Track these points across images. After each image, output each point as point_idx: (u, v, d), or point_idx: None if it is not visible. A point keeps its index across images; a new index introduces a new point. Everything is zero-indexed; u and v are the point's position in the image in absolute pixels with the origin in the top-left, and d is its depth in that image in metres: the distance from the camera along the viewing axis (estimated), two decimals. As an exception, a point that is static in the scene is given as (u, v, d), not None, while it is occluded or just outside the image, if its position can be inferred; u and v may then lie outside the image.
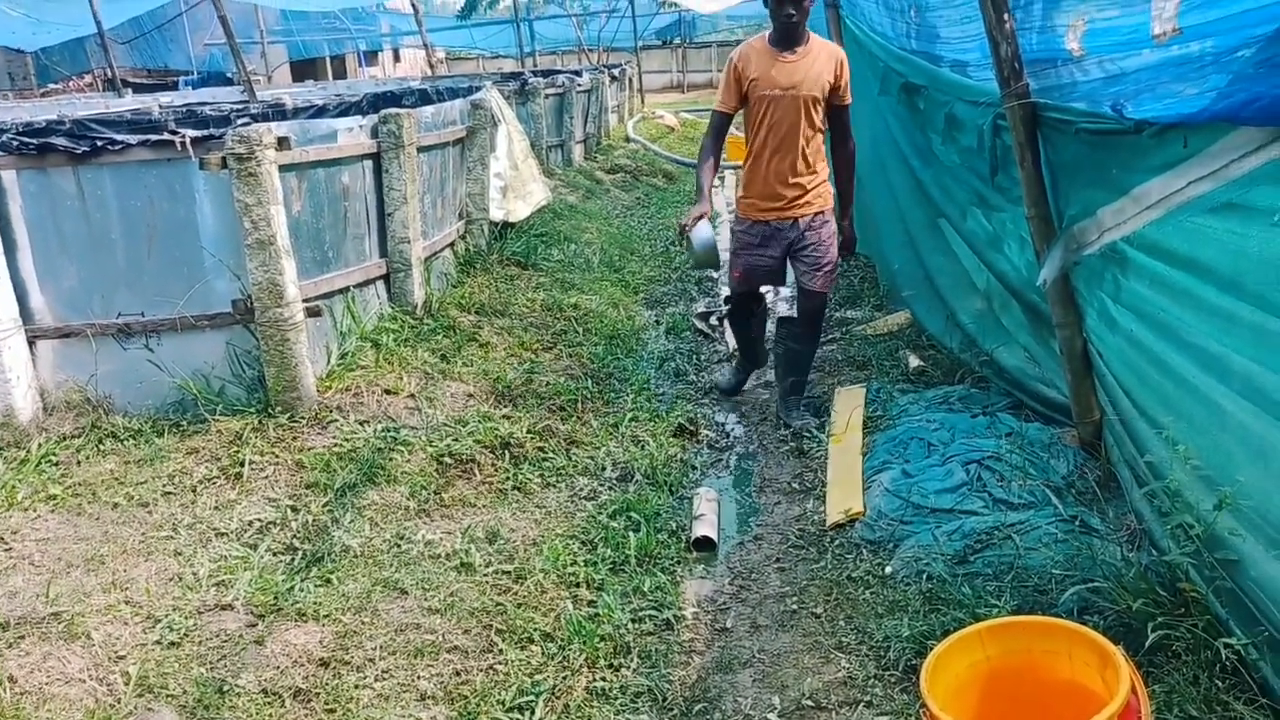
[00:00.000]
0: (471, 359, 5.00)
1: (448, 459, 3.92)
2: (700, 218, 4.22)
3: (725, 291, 6.52)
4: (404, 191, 5.11)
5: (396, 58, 32.57)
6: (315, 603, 2.98)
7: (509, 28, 26.39)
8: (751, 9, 23.12)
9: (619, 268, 7.36)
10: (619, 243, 8.21)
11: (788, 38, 4.03)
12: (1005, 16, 3.14)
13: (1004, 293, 4.02)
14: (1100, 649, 2.00)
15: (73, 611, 2.89)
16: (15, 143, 4.05)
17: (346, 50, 28.52)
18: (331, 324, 4.64)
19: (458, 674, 2.72)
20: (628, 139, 14.96)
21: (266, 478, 3.72)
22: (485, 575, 3.18)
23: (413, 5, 14.02)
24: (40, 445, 3.90)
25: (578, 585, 3.14)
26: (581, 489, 3.84)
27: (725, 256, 4.88)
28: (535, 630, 2.88)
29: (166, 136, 4.06)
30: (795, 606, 3.06)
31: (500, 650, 2.80)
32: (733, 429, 4.56)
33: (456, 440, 4.03)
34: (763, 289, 4.69)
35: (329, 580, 3.11)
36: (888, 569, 3.10)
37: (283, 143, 4.08)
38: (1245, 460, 2.30)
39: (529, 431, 4.19)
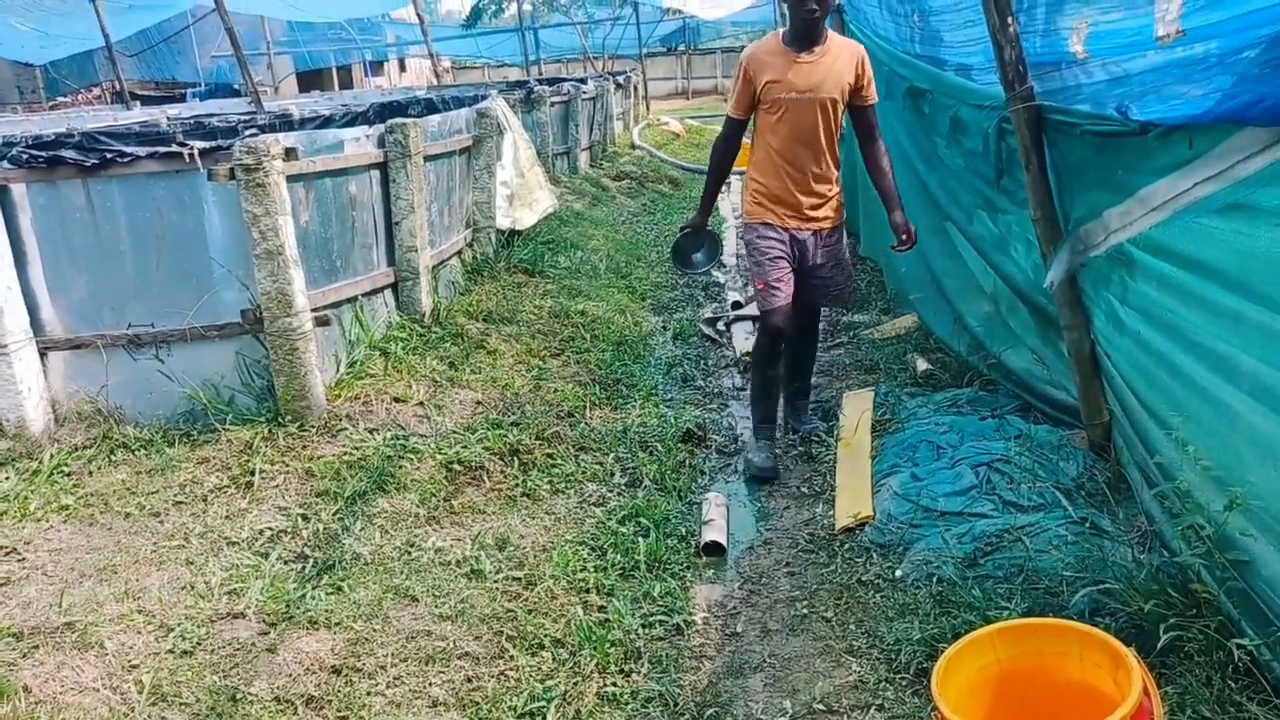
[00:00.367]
0: (480, 366, 5.02)
1: (457, 466, 3.93)
2: (689, 229, 4.27)
3: (733, 298, 6.52)
4: (411, 200, 5.13)
5: (402, 67, 32.71)
6: (327, 610, 2.99)
7: (514, 36, 26.52)
8: (756, 15, 23.20)
9: (626, 274, 7.37)
10: (626, 249, 8.23)
11: (807, 36, 3.73)
12: (1009, 20, 3.15)
13: (1011, 295, 4.02)
14: (1112, 650, 2.00)
15: (86, 621, 2.90)
16: (25, 156, 4.08)
17: (352, 60, 28.66)
18: (340, 333, 4.66)
19: (469, 680, 2.72)
20: (633, 146, 14.99)
21: (277, 486, 3.73)
22: (495, 582, 3.19)
23: (418, 15, 14.07)
24: (52, 456, 3.92)
25: (588, 591, 3.14)
26: (590, 495, 3.85)
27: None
28: (546, 636, 2.88)
29: (175, 148, 4.09)
30: (805, 611, 3.06)
31: (511, 656, 2.81)
32: (741, 434, 4.56)
33: (465, 447, 4.04)
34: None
35: (340, 588, 3.12)
36: (898, 572, 3.10)
37: (290, 153, 4.11)
38: (1255, 460, 2.30)
39: (538, 438, 4.20)
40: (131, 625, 2.91)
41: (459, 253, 6.34)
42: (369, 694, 2.65)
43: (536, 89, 10.73)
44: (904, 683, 2.62)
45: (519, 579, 3.20)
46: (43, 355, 4.16)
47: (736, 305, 6.47)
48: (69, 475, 3.84)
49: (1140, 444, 3.00)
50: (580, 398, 4.73)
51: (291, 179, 4.15)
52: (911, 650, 2.69)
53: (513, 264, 6.81)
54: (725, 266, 7.57)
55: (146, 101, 16.27)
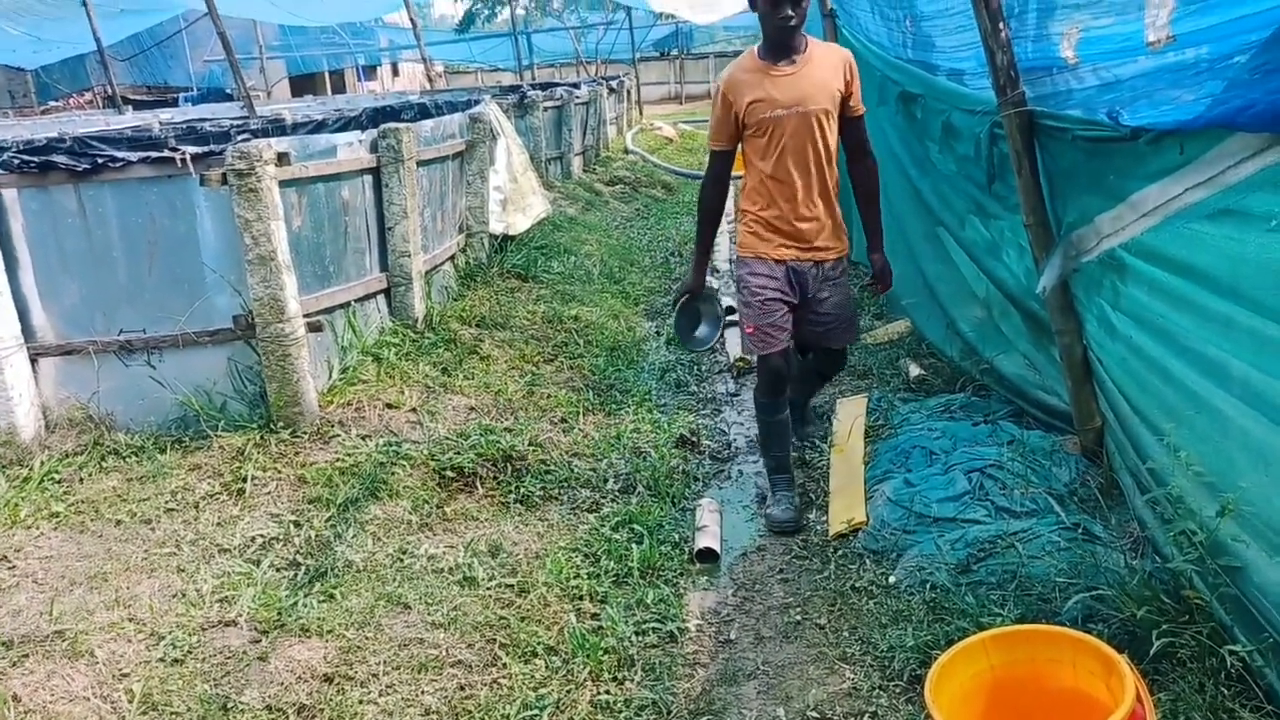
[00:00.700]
0: (473, 372, 5.01)
1: (450, 472, 3.92)
2: (686, 295, 3.84)
3: (728, 303, 6.32)
4: (404, 206, 5.13)
5: (395, 72, 32.69)
6: (318, 618, 2.97)
7: (507, 41, 26.52)
8: (749, 19, 23.20)
9: (619, 279, 7.37)
10: (619, 254, 8.23)
11: (784, 46, 3.38)
12: (1000, 26, 3.16)
13: (1003, 300, 4.03)
14: (1105, 657, 2.00)
15: (76, 629, 2.89)
16: (17, 161, 4.07)
17: (345, 65, 28.65)
18: (333, 338, 4.65)
19: (462, 689, 2.71)
20: (626, 151, 14.99)
21: (269, 493, 3.72)
22: (488, 589, 3.18)
23: (411, 20, 14.08)
24: (43, 463, 3.91)
25: (581, 598, 3.13)
26: (584, 501, 3.84)
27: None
28: (539, 644, 2.87)
29: (167, 154, 4.08)
30: (799, 617, 3.06)
31: (504, 664, 2.80)
32: (735, 440, 4.56)
33: (458, 454, 4.03)
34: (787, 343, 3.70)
35: (332, 595, 3.11)
36: (891, 579, 3.10)
37: (282, 158, 4.10)
38: (1247, 466, 2.30)
39: (531, 444, 4.19)
40: (122, 633, 2.90)
41: (452, 258, 6.33)
42: (361, 702, 2.64)
43: (530, 94, 10.74)
44: (898, 690, 2.62)
45: (512, 586, 3.20)
46: (34, 361, 4.14)
47: (730, 310, 6.46)
48: (60, 482, 3.82)
49: (1132, 449, 3.00)
50: (573, 403, 4.72)
51: (284, 184, 4.14)
52: (905, 657, 2.68)
53: (506, 269, 6.80)
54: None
55: (139, 106, 16.25)
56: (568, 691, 2.68)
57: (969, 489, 3.36)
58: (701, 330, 4.06)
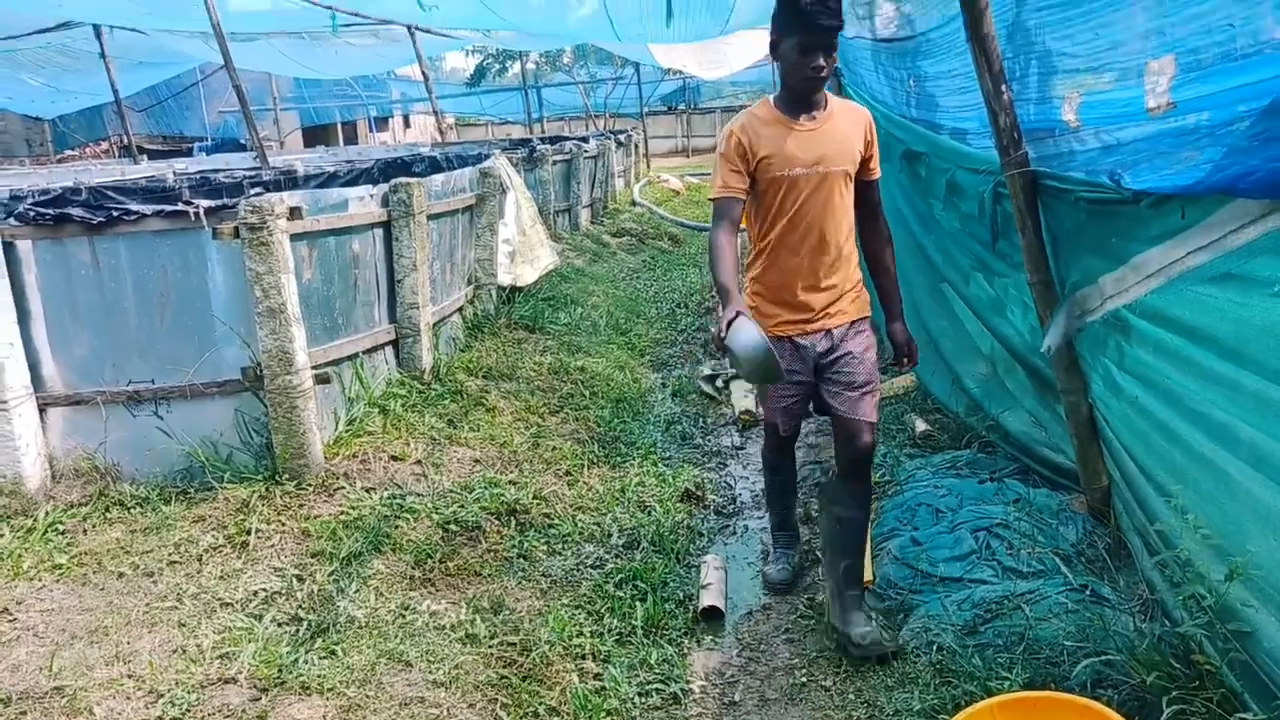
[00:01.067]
0: (478, 424, 5.01)
1: (453, 526, 3.91)
2: (738, 317, 2.76)
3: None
4: (414, 259, 5.17)
5: (407, 123, 33.20)
6: (319, 675, 2.94)
7: (517, 94, 26.94)
8: (754, 74, 23.57)
9: (625, 330, 7.40)
10: (625, 305, 8.27)
11: (807, 99, 3.05)
12: (1003, 88, 3.21)
13: (1008, 357, 4.03)
14: (1114, 726, 1.97)
15: (75, 686, 2.86)
16: (32, 213, 4.13)
17: (358, 116, 29.11)
18: (340, 390, 4.67)
19: (462, 749, 2.68)
20: (633, 203, 15.14)
21: (273, 546, 3.71)
22: (490, 647, 3.15)
23: (423, 73, 14.30)
24: (47, 513, 3.90)
25: (584, 657, 3.10)
26: (587, 556, 3.82)
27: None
28: (541, 705, 2.84)
29: (181, 207, 4.13)
30: (805, 679, 3.02)
31: (505, 724, 2.76)
32: (740, 494, 4.54)
33: (462, 507, 4.02)
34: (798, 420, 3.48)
35: (333, 652, 3.08)
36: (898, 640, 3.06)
37: (294, 212, 4.15)
38: (1255, 530, 2.29)
39: (535, 497, 4.18)
40: (121, 690, 2.87)
41: (460, 309, 6.37)
42: (360, 763, 2.60)
43: (539, 148, 10.89)
44: (904, 754, 2.58)
45: (514, 644, 3.17)
46: (42, 411, 4.16)
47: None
48: (64, 533, 3.82)
49: (1140, 510, 2.99)
50: (578, 456, 4.72)
51: (295, 237, 4.19)
52: (912, 721, 2.65)
53: (513, 320, 6.84)
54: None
55: (154, 155, 16.51)
56: (569, 753, 2.64)
57: (975, 548, 3.34)
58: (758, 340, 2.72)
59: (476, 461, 4.60)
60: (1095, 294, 3.07)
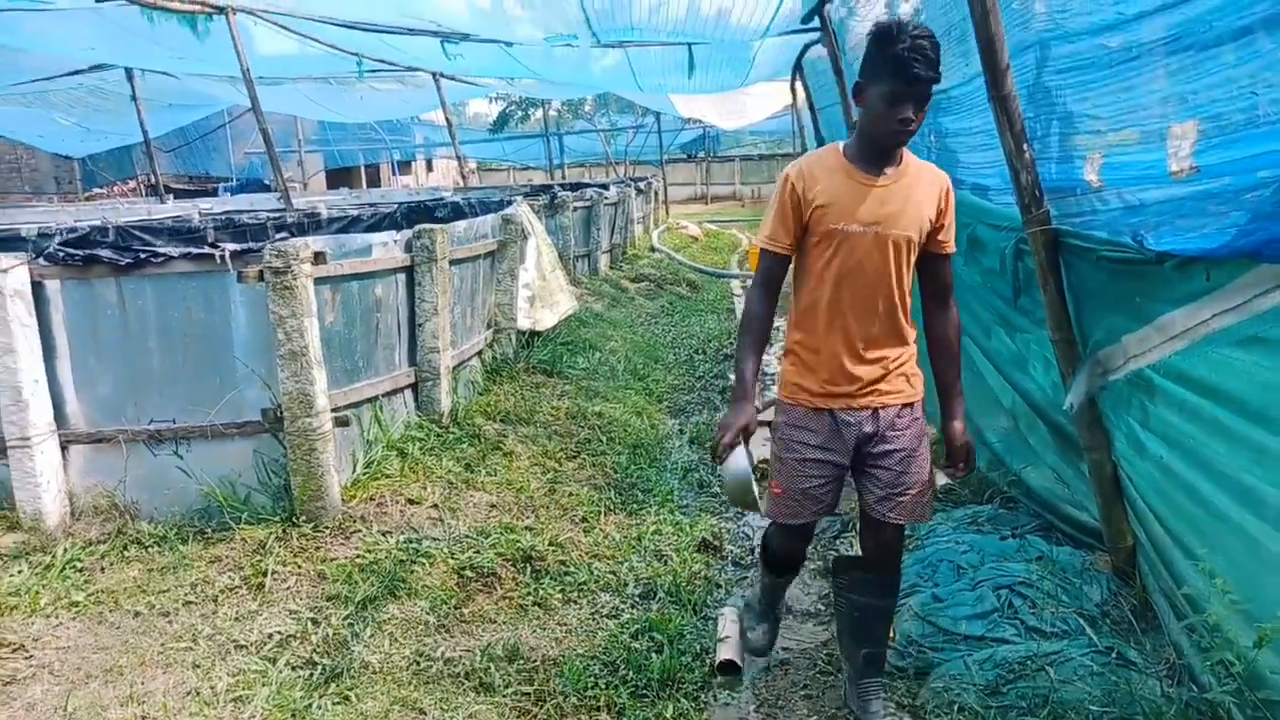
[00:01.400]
0: (495, 468, 5.01)
1: (469, 572, 3.89)
2: (737, 437, 2.76)
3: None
4: (435, 303, 5.22)
5: (429, 167, 33.66)
6: (332, 722, 2.92)
7: (539, 141, 27.31)
8: (773, 125, 23.80)
9: (643, 376, 7.41)
10: (643, 351, 8.29)
11: (885, 154, 2.71)
12: (1025, 147, 3.23)
13: (1030, 412, 4.02)
14: (1142, 796, 1.93)
15: (88, 727, 2.85)
16: (61, 254, 4.20)
17: (381, 159, 29.53)
18: (359, 433, 4.68)
19: (475, 802, 2.64)
20: (653, 249, 15.26)
21: (288, 588, 3.70)
22: (505, 696, 3.12)
23: (446, 119, 14.54)
24: (66, 550, 3.91)
25: (598, 709, 3.07)
26: (603, 606, 3.79)
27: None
28: (555, 757, 2.80)
29: (207, 250, 4.20)
30: (822, 737, 2.97)
31: (519, 777, 2.73)
32: (758, 545, 4.50)
33: (478, 552, 4.00)
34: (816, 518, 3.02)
35: (347, 698, 3.06)
36: (918, 699, 3.02)
37: (319, 257, 4.20)
38: (1284, 596, 2.26)
39: (551, 544, 4.16)
40: (134, 732, 2.86)
41: (479, 353, 6.41)
42: (372, 814, 2.57)
43: (560, 195, 11.01)
44: (925, 819, 2.53)
45: (528, 694, 3.14)
46: (64, 448, 4.19)
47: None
48: (81, 570, 3.82)
49: (1166, 572, 2.95)
50: (595, 502, 4.70)
51: (319, 281, 4.24)
52: (932, 784, 2.60)
53: (532, 364, 6.87)
54: None
55: (180, 195, 16.78)
56: (584, 809, 2.60)
57: (998, 606, 3.29)
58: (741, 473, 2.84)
59: (493, 506, 4.60)
60: (1119, 353, 3.06)
